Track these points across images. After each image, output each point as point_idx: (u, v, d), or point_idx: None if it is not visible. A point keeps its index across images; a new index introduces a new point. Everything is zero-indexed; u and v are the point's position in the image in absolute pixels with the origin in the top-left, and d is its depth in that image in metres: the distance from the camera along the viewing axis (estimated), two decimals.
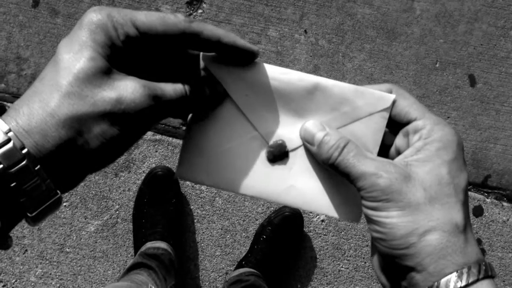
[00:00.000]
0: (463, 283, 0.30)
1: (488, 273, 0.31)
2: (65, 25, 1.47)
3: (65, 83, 0.29)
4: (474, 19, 1.55)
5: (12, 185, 0.28)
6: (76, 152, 0.30)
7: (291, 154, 0.38)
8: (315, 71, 1.50)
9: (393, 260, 0.33)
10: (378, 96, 0.36)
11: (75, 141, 0.29)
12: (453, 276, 0.30)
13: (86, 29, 0.30)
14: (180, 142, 1.44)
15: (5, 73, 1.45)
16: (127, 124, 0.31)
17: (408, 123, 0.36)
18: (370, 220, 0.33)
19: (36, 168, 0.28)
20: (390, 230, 0.32)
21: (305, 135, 0.37)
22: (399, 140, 0.37)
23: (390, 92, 0.37)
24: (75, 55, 0.30)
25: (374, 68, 1.52)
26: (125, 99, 0.30)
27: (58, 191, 0.30)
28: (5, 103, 1.43)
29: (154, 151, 1.44)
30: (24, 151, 0.28)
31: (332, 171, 0.36)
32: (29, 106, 0.29)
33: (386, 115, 0.37)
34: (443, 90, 1.53)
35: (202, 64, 0.36)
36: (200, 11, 1.50)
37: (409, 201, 0.32)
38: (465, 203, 0.33)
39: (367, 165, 0.33)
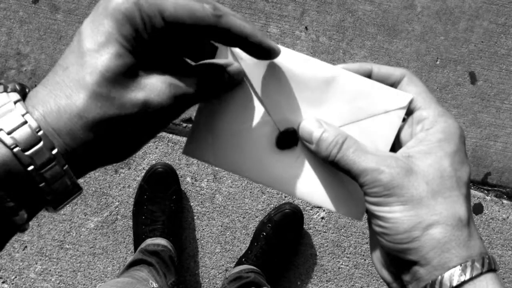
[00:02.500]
0: (467, 277, 0.30)
1: (491, 267, 0.31)
2: (65, 21, 1.46)
3: (91, 82, 0.28)
4: (475, 16, 1.55)
5: (41, 185, 0.28)
6: (100, 151, 0.30)
7: (300, 143, 0.37)
8: None
9: (396, 255, 0.32)
10: (396, 94, 0.36)
11: (101, 142, 0.29)
12: (456, 270, 0.30)
13: (113, 19, 0.29)
14: (180, 139, 1.44)
15: (5, 69, 1.44)
16: (150, 124, 0.31)
17: (413, 111, 0.36)
18: (373, 215, 0.33)
19: (64, 168, 0.28)
20: (393, 225, 0.31)
21: (302, 133, 0.36)
22: (403, 131, 0.37)
23: (403, 76, 0.37)
24: (100, 48, 0.29)
25: None
26: (152, 102, 0.30)
27: (81, 186, 0.30)
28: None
29: (154, 148, 1.43)
30: (54, 151, 0.27)
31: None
32: (56, 102, 0.28)
33: (401, 114, 0.36)
34: (444, 87, 1.53)
35: (221, 48, 0.36)
36: None
37: (411, 196, 0.31)
38: (467, 197, 0.33)
39: (367, 160, 0.33)
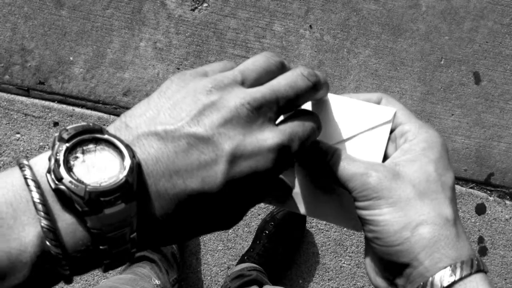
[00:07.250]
0: (457, 277, 0.31)
1: (480, 268, 0.31)
2: (70, 17, 1.47)
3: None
4: (479, 16, 1.54)
5: (106, 262, 0.27)
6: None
7: (296, 164, 0.39)
8: (320, 66, 1.49)
9: (389, 258, 0.33)
10: (380, 110, 0.38)
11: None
12: (446, 271, 0.31)
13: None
14: None
15: (10, 64, 1.44)
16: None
17: (395, 129, 0.38)
18: (364, 221, 0.34)
19: (132, 251, 0.27)
20: (384, 228, 0.32)
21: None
22: (388, 146, 0.39)
23: (380, 99, 0.39)
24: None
25: (379, 64, 1.51)
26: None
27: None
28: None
29: None
30: (133, 235, 0.27)
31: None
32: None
33: (388, 127, 0.38)
34: (448, 87, 1.52)
35: None
36: (205, 4, 1.49)
37: (399, 197, 0.33)
38: (453, 200, 0.34)
39: (356, 166, 0.34)
